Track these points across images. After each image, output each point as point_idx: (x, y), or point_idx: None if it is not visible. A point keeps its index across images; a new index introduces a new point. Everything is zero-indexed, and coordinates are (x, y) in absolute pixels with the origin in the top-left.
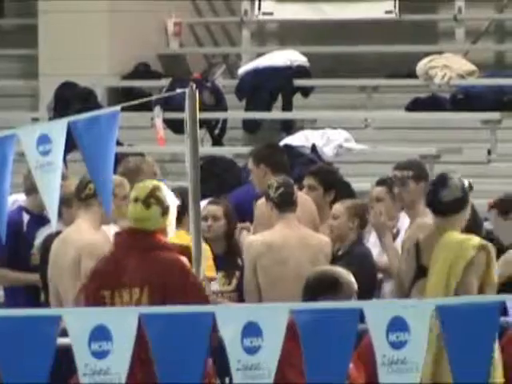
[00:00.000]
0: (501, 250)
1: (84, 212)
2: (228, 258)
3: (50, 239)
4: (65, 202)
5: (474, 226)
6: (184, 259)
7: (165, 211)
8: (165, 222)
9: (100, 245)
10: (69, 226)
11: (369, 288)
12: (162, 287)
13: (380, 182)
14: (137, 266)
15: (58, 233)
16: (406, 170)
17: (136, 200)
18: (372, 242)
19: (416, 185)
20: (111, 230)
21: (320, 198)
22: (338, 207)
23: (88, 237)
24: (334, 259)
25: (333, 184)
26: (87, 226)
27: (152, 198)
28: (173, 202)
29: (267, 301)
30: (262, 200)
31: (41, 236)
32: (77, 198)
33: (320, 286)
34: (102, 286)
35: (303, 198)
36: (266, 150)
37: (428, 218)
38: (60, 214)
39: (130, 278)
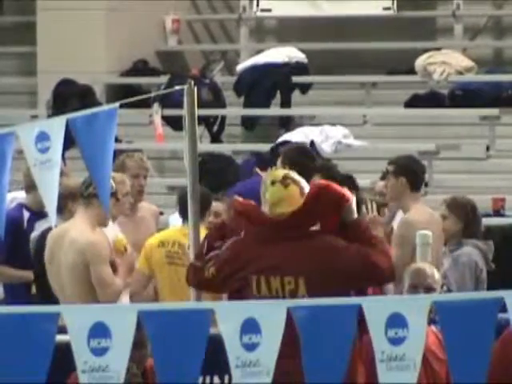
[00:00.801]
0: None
1: (84, 210)
2: None
3: (46, 234)
4: (71, 196)
5: (472, 223)
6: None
7: (302, 192)
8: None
9: (102, 243)
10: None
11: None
12: (321, 275)
13: (383, 177)
14: (290, 254)
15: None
16: (390, 164)
17: (273, 182)
18: None
19: (396, 180)
20: (110, 229)
21: None
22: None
23: (88, 237)
24: None
25: (337, 179)
26: (86, 224)
27: (288, 179)
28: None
29: None
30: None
31: (40, 228)
32: (79, 195)
33: None
34: (245, 268)
35: None
36: (294, 153)
37: (413, 213)
38: (59, 210)
39: (282, 266)
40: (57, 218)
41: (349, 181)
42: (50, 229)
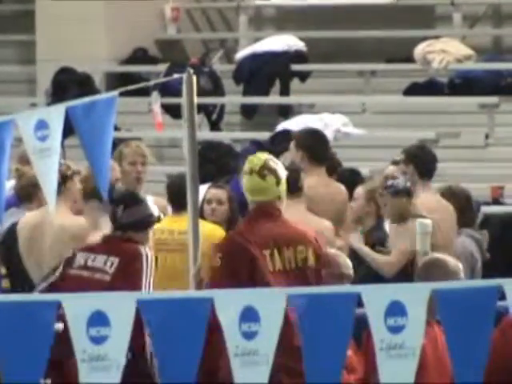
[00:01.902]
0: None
1: (59, 196)
2: None
3: (14, 227)
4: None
5: (466, 212)
6: None
7: (278, 181)
8: (280, 192)
9: (86, 228)
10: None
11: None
12: (321, 252)
13: (394, 162)
14: (290, 229)
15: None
16: (402, 152)
17: (251, 172)
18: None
19: (406, 168)
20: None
21: None
22: (358, 189)
23: (75, 221)
24: None
25: (334, 167)
26: (63, 211)
27: (266, 170)
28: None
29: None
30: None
31: (10, 219)
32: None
33: None
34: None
35: (338, 189)
36: (307, 137)
37: (418, 201)
38: (28, 198)
39: (292, 237)
40: (25, 206)
41: (354, 175)
42: (16, 222)
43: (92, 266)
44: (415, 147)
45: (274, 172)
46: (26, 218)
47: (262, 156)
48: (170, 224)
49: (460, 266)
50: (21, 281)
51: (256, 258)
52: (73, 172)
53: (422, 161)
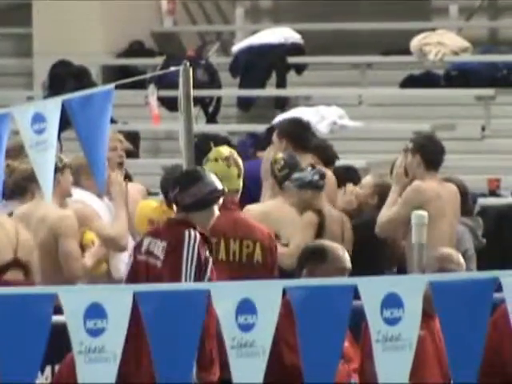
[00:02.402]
0: None
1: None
2: None
3: None
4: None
5: (464, 202)
6: None
7: (239, 174)
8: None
9: (70, 218)
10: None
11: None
12: (270, 251)
13: (405, 150)
14: (242, 223)
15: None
16: (410, 141)
17: (216, 159)
18: None
19: (413, 157)
20: (103, 206)
21: None
22: (369, 179)
23: (56, 213)
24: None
25: (331, 159)
26: (52, 202)
27: (231, 160)
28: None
29: None
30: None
31: None
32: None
33: (307, 255)
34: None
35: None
36: (290, 125)
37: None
38: (21, 193)
39: (240, 230)
40: (17, 200)
41: (351, 172)
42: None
43: (151, 251)
44: (423, 137)
45: (237, 164)
46: (18, 210)
47: (228, 148)
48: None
49: (461, 260)
50: None
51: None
52: (64, 165)
53: (429, 151)
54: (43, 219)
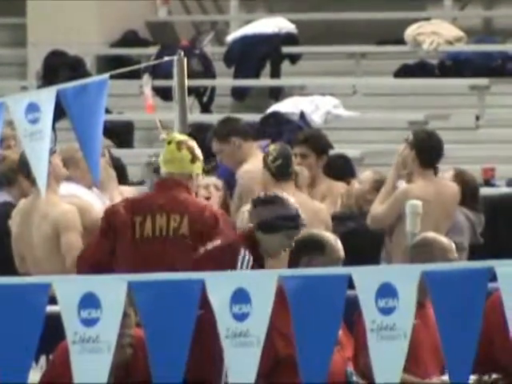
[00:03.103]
0: None
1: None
2: None
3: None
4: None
5: (472, 197)
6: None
7: (194, 159)
8: (193, 170)
9: (74, 214)
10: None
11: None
12: (201, 222)
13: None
14: (174, 197)
15: (5, 204)
16: (412, 134)
17: (169, 142)
18: None
19: (410, 151)
20: (96, 197)
21: (313, 164)
22: (368, 174)
23: (59, 208)
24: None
25: (324, 148)
26: (49, 192)
27: (183, 144)
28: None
29: None
30: (245, 168)
31: None
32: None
33: (304, 246)
34: (133, 212)
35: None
36: (230, 123)
37: (414, 186)
38: (10, 183)
39: (168, 205)
40: (5, 190)
41: (345, 164)
42: (4, 204)
43: None
44: (423, 133)
45: (191, 149)
46: (19, 205)
47: (183, 135)
48: None
49: (453, 244)
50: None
51: (120, 224)
52: (50, 151)
53: (425, 149)
54: (45, 216)
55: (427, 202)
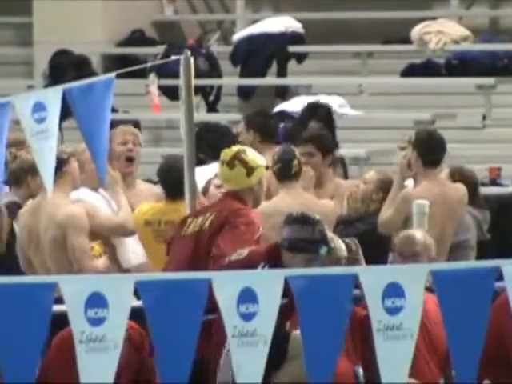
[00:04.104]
0: None
1: (55, 181)
2: None
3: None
4: (30, 170)
5: (474, 194)
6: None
7: (249, 172)
8: (251, 182)
9: (82, 214)
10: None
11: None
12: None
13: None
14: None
15: (11, 204)
16: (415, 134)
17: (222, 163)
18: None
19: (412, 152)
20: (101, 198)
21: (319, 163)
22: (372, 174)
23: (66, 210)
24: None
25: (330, 147)
26: (60, 196)
27: (236, 160)
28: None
29: None
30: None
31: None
32: None
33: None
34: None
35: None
36: (259, 117)
37: (416, 189)
38: (17, 183)
39: (210, 209)
40: (14, 191)
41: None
42: (8, 204)
43: None
44: (424, 132)
45: (244, 163)
46: (27, 205)
47: (236, 148)
48: (166, 214)
49: (428, 241)
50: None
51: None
52: (69, 155)
53: (426, 148)
54: (53, 217)
55: (431, 202)
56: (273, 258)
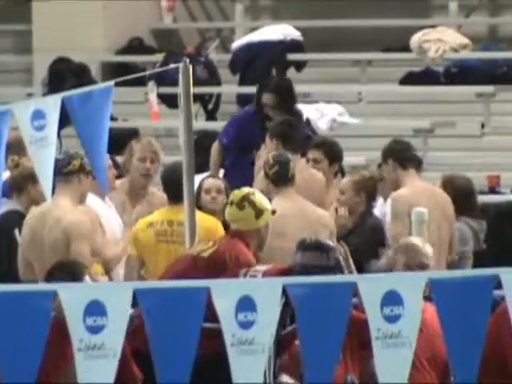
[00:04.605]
0: None
1: (63, 187)
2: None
3: (5, 217)
4: (30, 178)
5: (467, 200)
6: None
7: (258, 214)
8: (259, 224)
9: (87, 222)
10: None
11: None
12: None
13: (379, 165)
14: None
15: (12, 212)
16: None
17: (231, 203)
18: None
19: (386, 164)
20: (105, 207)
21: (325, 170)
22: (345, 182)
23: (72, 216)
24: (348, 233)
25: (337, 156)
26: (68, 202)
27: (245, 202)
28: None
29: None
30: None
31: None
32: (57, 173)
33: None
34: None
35: (313, 177)
36: (280, 126)
37: (401, 189)
38: (19, 191)
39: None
40: (14, 198)
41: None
42: (9, 212)
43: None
44: (388, 143)
45: (253, 204)
46: (32, 211)
47: (245, 189)
48: (169, 215)
49: (429, 250)
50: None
51: None
52: (81, 160)
53: (396, 152)
54: (58, 220)
55: (420, 198)
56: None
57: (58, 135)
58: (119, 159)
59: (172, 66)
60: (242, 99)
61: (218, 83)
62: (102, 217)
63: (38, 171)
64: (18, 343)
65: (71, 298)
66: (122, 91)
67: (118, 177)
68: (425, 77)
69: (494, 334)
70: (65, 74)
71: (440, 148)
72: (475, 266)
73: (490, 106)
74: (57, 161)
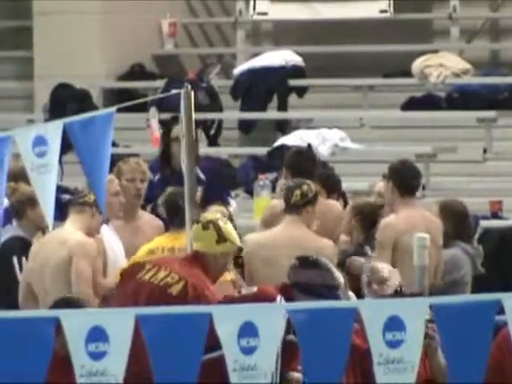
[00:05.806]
0: None
1: (74, 217)
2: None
3: (7, 244)
4: (28, 202)
5: (463, 225)
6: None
7: (220, 239)
8: (217, 250)
9: (92, 245)
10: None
11: None
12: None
13: (384, 176)
14: (181, 265)
15: (13, 238)
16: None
17: (197, 222)
18: None
19: (387, 183)
20: (106, 233)
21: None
22: (347, 207)
23: (79, 237)
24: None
25: (335, 186)
26: (77, 227)
27: (211, 224)
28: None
29: None
30: (275, 202)
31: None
32: (71, 203)
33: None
34: (147, 261)
35: (327, 206)
36: (291, 156)
37: (393, 217)
38: (18, 216)
39: (175, 267)
40: (15, 224)
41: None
42: (11, 239)
43: None
44: (398, 162)
45: (218, 229)
46: (40, 240)
47: (219, 215)
48: (170, 242)
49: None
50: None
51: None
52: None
53: (401, 177)
54: (64, 241)
55: (413, 229)
56: (285, 297)
57: (60, 161)
58: None
59: (173, 91)
60: (244, 125)
61: (220, 109)
62: (106, 243)
63: (39, 198)
64: (20, 370)
65: (73, 324)
66: (124, 117)
67: None
68: (426, 102)
69: (496, 358)
70: (66, 100)
71: (442, 173)
72: (476, 291)
73: (492, 132)
74: (73, 192)
